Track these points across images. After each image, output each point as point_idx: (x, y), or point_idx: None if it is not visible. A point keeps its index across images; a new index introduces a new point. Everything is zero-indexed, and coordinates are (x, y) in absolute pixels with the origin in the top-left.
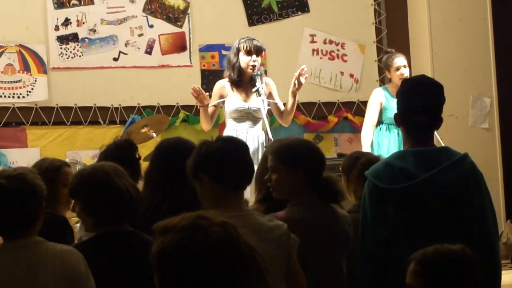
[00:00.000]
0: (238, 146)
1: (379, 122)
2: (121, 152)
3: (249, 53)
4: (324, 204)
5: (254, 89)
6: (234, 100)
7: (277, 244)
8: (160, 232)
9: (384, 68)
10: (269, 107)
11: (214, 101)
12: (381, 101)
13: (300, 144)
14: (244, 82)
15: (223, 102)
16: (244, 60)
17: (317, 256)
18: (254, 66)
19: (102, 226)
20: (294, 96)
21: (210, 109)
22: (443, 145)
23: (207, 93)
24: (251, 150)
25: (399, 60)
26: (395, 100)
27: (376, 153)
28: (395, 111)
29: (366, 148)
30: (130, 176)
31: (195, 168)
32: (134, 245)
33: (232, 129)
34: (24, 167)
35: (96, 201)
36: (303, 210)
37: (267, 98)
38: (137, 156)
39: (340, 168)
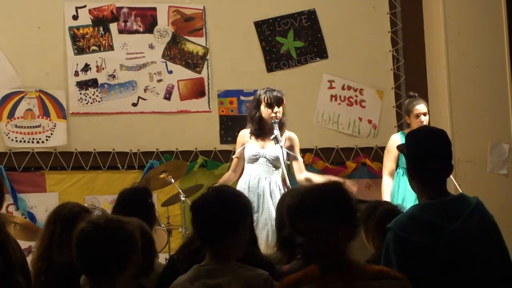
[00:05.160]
0: None
1: (396, 166)
2: (134, 195)
3: (270, 105)
4: None
5: (272, 137)
6: (251, 147)
7: None
8: None
9: (404, 113)
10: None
11: (238, 150)
12: None
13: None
14: (264, 131)
15: (244, 150)
16: (267, 113)
17: None
18: (276, 117)
19: None
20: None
21: (234, 161)
22: (460, 190)
23: None
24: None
25: (420, 106)
26: None
27: (392, 199)
28: None
29: (387, 199)
30: (143, 220)
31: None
32: None
33: (247, 173)
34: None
35: None
36: (301, 265)
37: (290, 151)
38: (150, 201)
39: (358, 217)
